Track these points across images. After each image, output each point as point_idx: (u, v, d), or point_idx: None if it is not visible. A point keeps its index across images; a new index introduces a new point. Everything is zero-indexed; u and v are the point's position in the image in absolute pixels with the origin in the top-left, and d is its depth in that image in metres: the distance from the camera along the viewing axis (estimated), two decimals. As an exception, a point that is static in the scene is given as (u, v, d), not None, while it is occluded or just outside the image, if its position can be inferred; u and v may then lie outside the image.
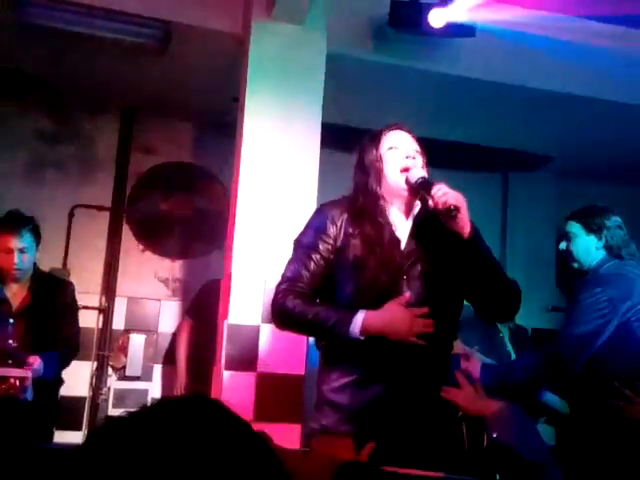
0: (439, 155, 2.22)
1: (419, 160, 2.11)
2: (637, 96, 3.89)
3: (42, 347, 3.05)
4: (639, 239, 2.92)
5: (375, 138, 2.14)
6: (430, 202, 2.00)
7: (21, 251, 3.09)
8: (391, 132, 2.12)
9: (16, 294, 3.15)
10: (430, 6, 3.17)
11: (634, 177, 5.17)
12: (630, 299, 2.65)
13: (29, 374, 2.77)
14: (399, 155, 2.08)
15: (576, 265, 2.86)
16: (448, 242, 2.02)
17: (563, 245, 2.90)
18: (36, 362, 2.89)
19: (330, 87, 3.24)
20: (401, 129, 2.14)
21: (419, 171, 2.05)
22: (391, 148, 2.10)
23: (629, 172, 5.02)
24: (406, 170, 2.06)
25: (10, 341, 3.00)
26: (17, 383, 2.71)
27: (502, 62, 3.65)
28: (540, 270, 4.91)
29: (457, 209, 1.93)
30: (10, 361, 2.92)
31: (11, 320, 3.06)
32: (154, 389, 4.40)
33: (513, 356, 3.76)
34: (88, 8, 3.31)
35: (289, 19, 3.16)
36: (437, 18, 3.15)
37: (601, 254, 2.77)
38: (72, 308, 3.33)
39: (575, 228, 2.84)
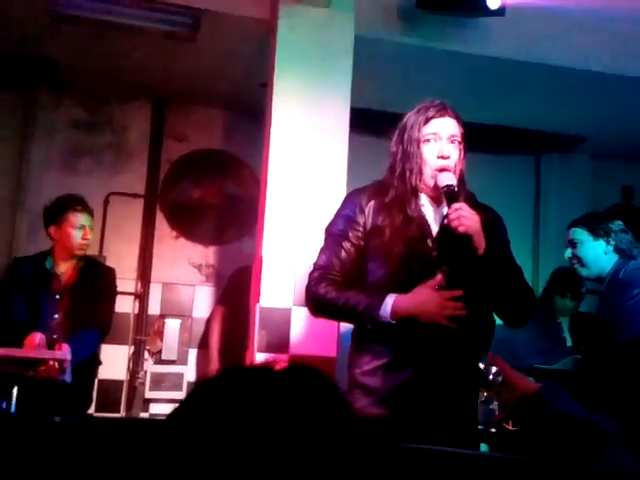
0: (470, 138, 2.20)
1: (455, 154, 2.08)
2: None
3: (79, 324, 3.25)
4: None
5: (417, 121, 2.10)
6: (446, 219, 2.02)
7: (90, 228, 3.41)
8: (434, 120, 2.09)
9: (65, 272, 3.37)
10: (459, -14, 3.14)
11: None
12: None
13: (68, 356, 2.85)
14: (435, 150, 2.07)
15: (585, 272, 2.83)
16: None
17: (569, 252, 2.86)
18: (64, 349, 3.01)
19: (359, 70, 3.23)
20: (444, 114, 2.10)
21: (447, 177, 2.05)
22: (429, 140, 2.08)
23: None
24: (439, 171, 2.06)
25: (55, 315, 3.25)
26: (56, 365, 2.79)
27: (532, 41, 3.60)
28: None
29: (466, 238, 1.95)
30: (55, 335, 3.14)
31: (57, 296, 3.30)
32: (189, 372, 4.48)
33: (569, 343, 3.74)
34: (119, -3, 3.35)
35: (316, 2, 3.16)
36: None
37: (613, 258, 2.75)
38: (112, 292, 3.53)
39: (581, 234, 2.82)
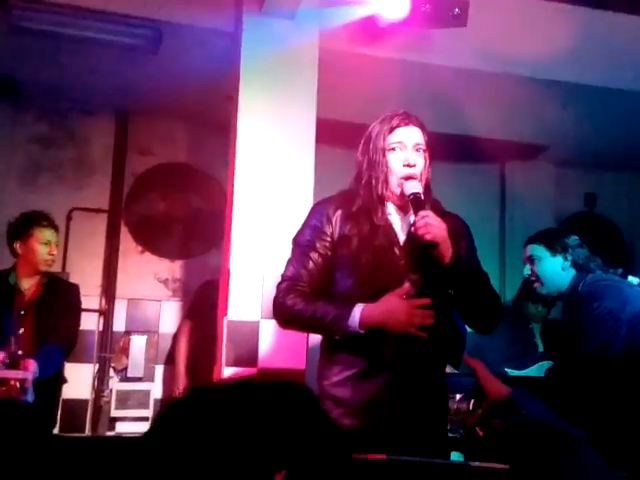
0: (435, 148, 2.22)
1: (420, 163, 2.09)
2: (631, 82, 3.89)
3: (43, 340, 3.26)
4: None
5: (381, 130, 2.11)
6: (412, 227, 2.02)
7: (56, 244, 3.43)
8: (399, 129, 2.09)
9: (29, 288, 3.37)
10: (421, -3, 3.16)
11: (631, 163, 5.18)
12: (628, 304, 2.65)
13: (29, 376, 2.78)
14: (401, 159, 2.08)
15: (544, 290, 2.86)
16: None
17: (527, 269, 2.89)
18: (31, 366, 3.00)
19: (324, 82, 3.23)
20: (408, 123, 2.11)
21: (413, 185, 2.05)
22: (394, 149, 2.09)
23: (626, 158, 5.02)
24: (405, 179, 2.07)
25: (20, 330, 3.25)
26: (17, 385, 2.72)
27: (493, 51, 3.64)
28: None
29: (433, 245, 1.96)
30: (20, 352, 3.11)
31: (22, 312, 3.30)
32: (156, 390, 4.40)
33: (541, 348, 3.77)
34: (78, 10, 3.30)
35: (280, 14, 3.16)
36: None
37: (571, 273, 2.78)
38: (76, 308, 3.52)
39: (539, 251, 2.85)
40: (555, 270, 2.81)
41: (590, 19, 3.74)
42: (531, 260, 2.89)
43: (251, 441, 0.71)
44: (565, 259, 2.81)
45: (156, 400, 4.36)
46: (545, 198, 5.04)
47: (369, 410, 1.97)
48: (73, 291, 3.51)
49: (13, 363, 3.08)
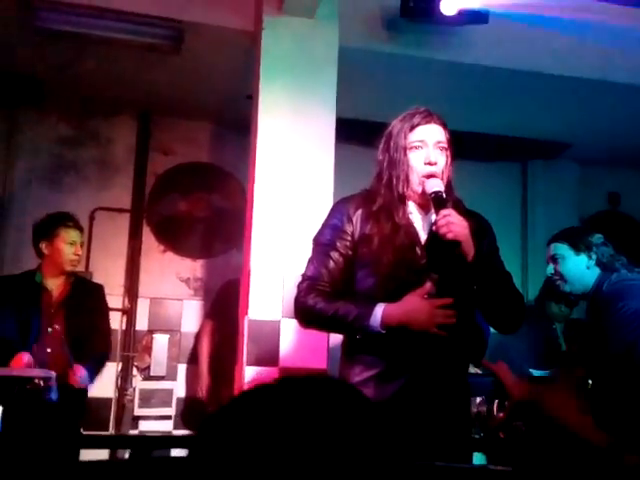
0: (456, 146, 2.19)
1: (442, 161, 2.07)
2: (656, 78, 3.83)
3: (76, 341, 3.35)
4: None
5: (402, 128, 2.09)
6: (434, 225, 2.01)
7: (81, 245, 3.49)
8: (420, 127, 2.07)
9: (57, 287, 3.43)
10: (442, -5, 3.14)
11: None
12: None
13: (52, 374, 2.81)
14: (422, 157, 2.05)
15: (568, 287, 2.81)
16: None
17: (551, 269, 2.84)
18: (81, 373, 3.17)
19: (344, 80, 3.23)
20: (429, 121, 2.08)
21: (435, 183, 2.03)
22: (415, 147, 2.06)
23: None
24: (426, 177, 2.05)
25: (50, 329, 3.33)
26: (41, 383, 2.75)
27: (516, 48, 3.61)
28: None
29: (456, 244, 1.94)
30: (49, 349, 3.25)
31: (52, 310, 3.36)
32: (179, 388, 4.43)
33: (564, 348, 3.74)
34: (101, 10, 3.33)
35: (300, 13, 3.16)
36: (449, 6, 3.12)
37: (596, 272, 2.73)
38: (106, 309, 3.63)
39: (562, 250, 2.80)
40: (579, 269, 2.77)
41: (615, 16, 3.69)
42: (554, 259, 2.85)
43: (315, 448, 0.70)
44: (589, 258, 2.76)
45: (179, 399, 4.39)
46: (568, 197, 4.99)
47: (390, 411, 1.96)
48: (101, 292, 3.59)
49: (41, 361, 3.14)
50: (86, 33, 3.45)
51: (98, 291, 3.59)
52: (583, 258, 2.77)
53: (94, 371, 3.36)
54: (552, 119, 4.41)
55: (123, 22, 3.41)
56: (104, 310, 3.60)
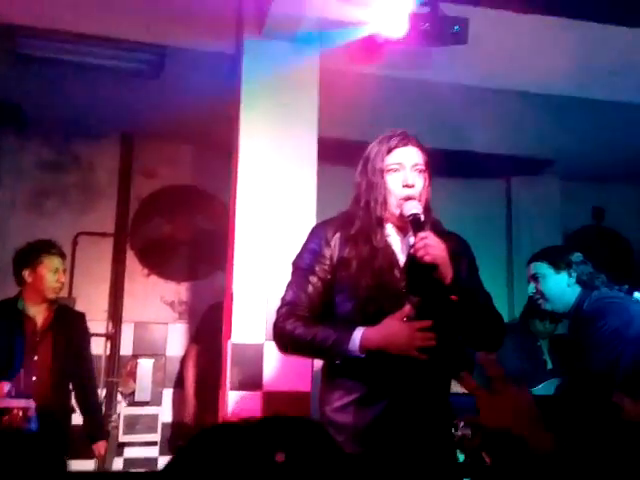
0: (440, 164, 2.20)
1: (419, 183, 2.07)
2: (636, 94, 3.86)
3: (61, 369, 3.37)
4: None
5: (379, 151, 2.10)
6: (412, 248, 2.00)
7: (63, 271, 3.46)
8: (397, 150, 2.08)
9: (40, 315, 3.41)
10: (419, 16, 3.16)
11: (638, 177, 5.14)
12: (632, 323, 2.62)
13: (32, 404, 2.77)
14: (400, 180, 2.06)
15: (549, 306, 2.83)
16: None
17: (532, 288, 2.86)
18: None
19: (325, 101, 3.23)
20: (406, 143, 2.09)
21: (412, 205, 2.03)
22: (393, 170, 2.06)
23: (633, 171, 4.98)
24: (404, 200, 2.05)
25: (35, 357, 3.32)
26: (20, 414, 2.71)
27: (496, 67, 3.63)
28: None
29: (433, 266, 1.94)
30: (34, 378, 3.24)
31: (37, 338, 3.35)
32: (164, 413, 4.38)
33: (549, 365, 3.73)
34: (81, 37, 3.32)
35: (281, 36, 3.16)
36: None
37: (576, 290, 2.75)
38: (89, 337, 3.66)
39: (543, 268, 2.83)
40: (560, 287, 2.78)
41: (590, 33, 3.72)
42: (535, 278, 2.86)
43: None
44: (570, 276, 2.78)
45: (164, 424, 4.34)
46: (552, 212, 5.01)
47: (371, 436, 1.93)
48: (84, 320, 3.60)
49: (26, 389, 3.10)
50: (67, 59, 3.44)
51: (81, 319, 3.60)
52: (563, 276, 2.78)
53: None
54: (534, 136, 4.45)
55: (103, 47, 3.40)
56: (87, 338, 3.61)
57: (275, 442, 0.74)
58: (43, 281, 3.36)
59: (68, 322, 3.48)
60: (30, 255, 3.38)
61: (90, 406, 3.55)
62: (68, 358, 3.40)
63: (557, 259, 2.80)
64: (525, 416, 1.29)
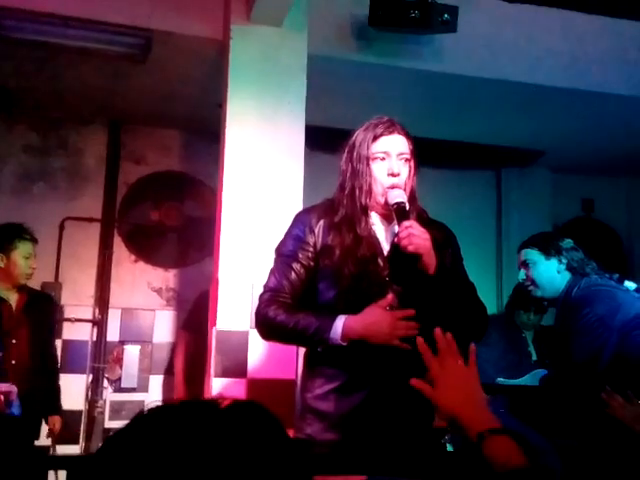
0: (429, 154, 2.18)
1: (404, 172, 2.05)
2: (625, 86, 3.86)
3: (39, 353, 3.40)
4: None
5: (365, 138, 2.07)
6: (396, 237, 1.99)
7: (34, 257, 3.44)
8: (383, 137, 2.05)
9: (14, 299, 3.42)
10: (409, 4, 3.14)
11: (629, 168, 5.14)
12: (621, 311, 2.61)
13: (14, 388, 2.75)
14: (385, 168, 2.04)
15: (539, 292, 2.82)
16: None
17: (522, 274, 2.86)
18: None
19: (313, 88, 3.21)
20: (393, 131, 2.06)
21: (397, 194, 2.01)
22: (378, 159, 2.04)
23: (623, 163, 4.99)
24: (389, 188, 2.03)
25: (14, 340, 3.30)
26: (1, 398, 2.70)
27: (486, 56, 3.62)
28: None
29: (416, 257, 1.93)
30: (14, 361, 3.22)
31: (12, 323, 3.34)
32: (150, 400, 4.37)
33: (534, 357, 3.74)
34: (68, 19, 3.29)
35: (268, 22, 3.14)
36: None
37: (566, 277, 2.75)
38: (56, 322, 3.76)
39: (533, 255, 2.82)
40: (550, 274, 2.78)
41: (584, 24, 3.71)
42: (525, 265, 2.86)
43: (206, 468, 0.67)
44: (560, 262, 2.78)
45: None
46: (542, 204, 5.01)
47: (352, 424, 1.93)
48: (56, 306, 3.72)
49: (5, 373, 3.09)
50: (53, 42, 3.40)
51: (53, 303, 3.69)
52: (554, 262, 2.78)
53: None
54: (525, 127, 4.43)
55: (90, 31, 3.36)
56: (55, 322, 3.74)
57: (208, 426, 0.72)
58: (16, 267, 3.36)
59: (43, 307, 3.54)
60: (3, 240, 3.37)
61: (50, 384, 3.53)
62: (45, 342, 3.47)
63: (548, 245, 2.79)
64: (467, 397, 1.29)
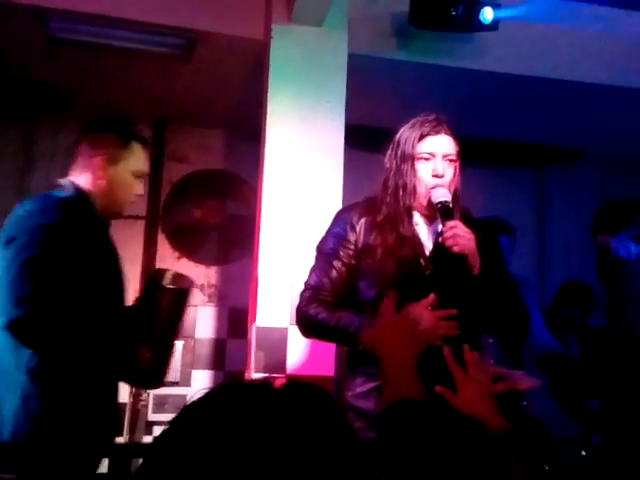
0: (471, 153, 2.16)
1: (449, 173, 2.04)
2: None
3: None
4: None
5: (410, 137, 2.06)
6: (440, 237, 1.98)
7: None
8: (429, 137, 2.04)
9: None
10: (450, 1, 3.13)
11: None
12: None
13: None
14: (430, 169, 2.03)
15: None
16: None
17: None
18: None
19: (353, 87, 3.22)
20: (439, 131, 2.05)
21: (441, 193, 2.01)
22: (423, 159, 2.04)
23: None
24: (432, 188, 2.03)
25: None
26: None
27: (528, 54, 3.58)
28: (581, 265, 4.79)
29: (461, 257, 1.92)
30: None
31: None
32: (192, 394, 4.44)
33: (578, 356, 3.69)
34: (113, 21, 3.37)
35: (309, 22, 3.16)
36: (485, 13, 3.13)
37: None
38: None
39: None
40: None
41: (629, 20, 3.64)
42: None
43: (264, 449, 0.68)
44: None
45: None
46: (585, 203, 4.91)
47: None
48: None
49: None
50: (100, 43, 3.49)
51: None
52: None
53: None
54: (568, 125, 4.36)
55: (135, 32, 3.44)
56: None
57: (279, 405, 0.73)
58: None
59: None
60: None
61: None
62: None
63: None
64: (487, 402, 1.43)
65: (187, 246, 4.65)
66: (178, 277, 2.19)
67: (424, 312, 1.93)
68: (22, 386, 1.93)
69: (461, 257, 1.93)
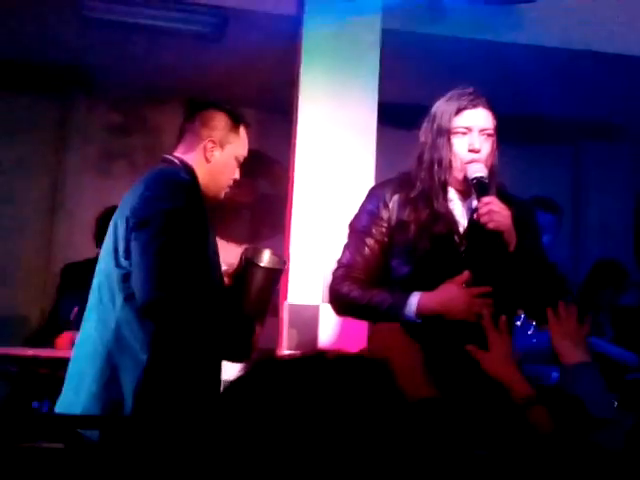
0: (505, 129, 2.12)
1: (486, 148, 2.01)
2: None
3: None
4: None
5: (447, 110, 2.03)
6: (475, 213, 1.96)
7: None
8: (466, 111, 2.01)
9: None
10: (486, -27, 3.06)
11: None
12: None
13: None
14: (466, 143, 2.00)
15: None
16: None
17: None
18: None
19: (386, 63, 3.18)
20: (477, 105, 2.02)
21: (477, 168, 1.98)
22: (459, 133, 2.01)
23: None
24: (469, 163, 2.00)
25: None
26: None
27: (566, 27, 3.49)
28: (617, 245, 4.71)
29: (497, 234, 1.90)
30: None
31: None
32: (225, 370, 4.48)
33: (610, 334, 3.65)
34: (146, -1, 3.37)
35: (342, -5, 3.12)
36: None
37: None
38: None
39: None
40: None
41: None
42: None
43: (322, 421, 0.68)
44: None
45: (225, 382, 4.44)
46: (622, 181, 4.82)
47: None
48: None
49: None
50: (131, 21, 3.50)
51: None
52: None
53: None
54: (606, 100, 4.26)
55: (167, 10, 3.45)
56: None
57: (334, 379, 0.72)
58: None
59: None
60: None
61: None
62: None
63: None
64: (514, 366, 1.56)
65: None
66: (272, 256, 2.24)
67: (458, 289, 1.92)
68: (144, 365, 1.97)
69: (497, 234, 1.90)
